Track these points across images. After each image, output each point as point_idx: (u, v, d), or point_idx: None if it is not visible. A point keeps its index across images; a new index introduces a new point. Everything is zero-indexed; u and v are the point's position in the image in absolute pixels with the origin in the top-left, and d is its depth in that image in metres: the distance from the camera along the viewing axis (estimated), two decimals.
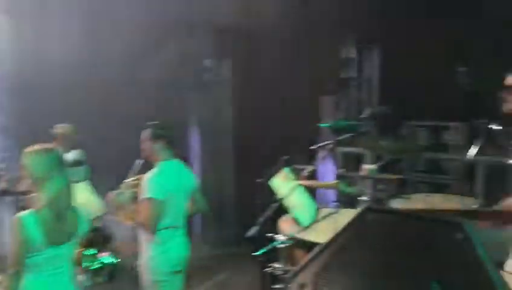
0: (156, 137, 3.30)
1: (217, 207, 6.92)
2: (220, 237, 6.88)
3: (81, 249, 2.48)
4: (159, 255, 3.25)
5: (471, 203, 2.97)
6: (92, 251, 2.42)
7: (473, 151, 3.42)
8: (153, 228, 3.17)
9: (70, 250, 2.62)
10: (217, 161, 6.89)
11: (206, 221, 6.74)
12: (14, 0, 8.94)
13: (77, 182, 4.20)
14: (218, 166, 6.91)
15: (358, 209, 2.29)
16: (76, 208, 2.68)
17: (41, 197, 2.49)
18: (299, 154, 4.63)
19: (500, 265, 2.49)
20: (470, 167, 4.59)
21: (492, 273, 1.20)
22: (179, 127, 6.54)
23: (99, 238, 2.54)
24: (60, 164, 2.59)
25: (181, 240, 3.40)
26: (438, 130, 5.21)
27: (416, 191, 4.92)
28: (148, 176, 3.21)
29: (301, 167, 4.46)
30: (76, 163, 4.75)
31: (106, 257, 2.61)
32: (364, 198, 2.75)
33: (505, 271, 2.43)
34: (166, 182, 3.21)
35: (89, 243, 2.43)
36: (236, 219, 6.90)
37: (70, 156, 5.01)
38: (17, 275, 2.45)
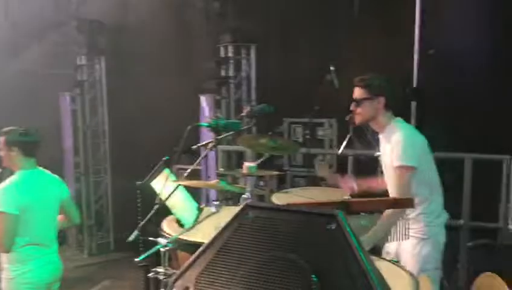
0: (11, 144, 3.00)
1: (95, 213, 6.61)
2: (99, 244, 6.60)
3: None
4: (19, 276, 2.96)
5: (343, 195, 3.17)
6: None
7: (343, 145, 3.68)
8: (4, 245, 2.88)
9: None
10: (93, 164, 6.55)
11: (83, 228, 6.40)
12: None
13: None
14: (95, 169, 6.59)
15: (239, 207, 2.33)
16: None
17: None
18: (183, 155, 4.58)
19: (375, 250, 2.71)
20: (342, 161, 4.90)
21: (364, 260, 1.28)
22: (51, 130, 6.09)
23: None
24: None
25: (47, 259, 3.09)
26: (313, 126, 5.48)
27: (295, 185, 5.16)
28: (0, 186, 2.92)
29: (184, 166, 4.42)
30: None
31: None
32: (245, 195, 2.79)
33: (382, 257, 2.65)
34: (23, 194, 2.93)
35: None
36: (115, 223, 6.65)
37: None
38: None
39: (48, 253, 3.09)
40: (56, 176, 3.25)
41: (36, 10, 6.55)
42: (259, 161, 3.56)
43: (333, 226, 1.39)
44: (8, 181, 2.94)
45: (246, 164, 2.92)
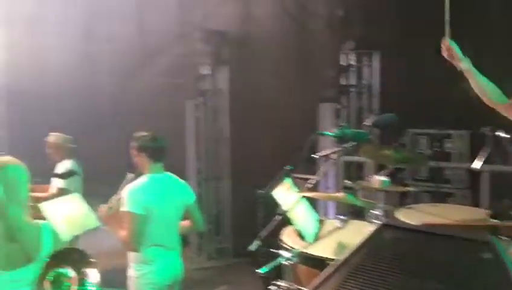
0: (140, 149, 3.15)
1: (215, 218, 6.80)
2: (218, 249, 6.76)
3: (47, 271, 2.21)
4: (143, 276, 3.07)
5: (480, 214, 2.85)
6: (64, 272, 2.14)
7: (479, 159, 3.32)
8: (132, 244, 3.00)
9: (30, 273, 2.30)
10: (215, 171, 6.76)
11: (204, 232, 6.61)
12: (11, 12, 8.92)
13: (69, 193, 4.06)
14: (217, 176, 6.79)
15: (371, 224, 2.16)
16: (40, 224, 2.44)
17: None
18: (300, 164, 4.52)
19: None
20: (474, 176, 4.48)
21: None
22: (176, 137, 6.42)
23: (74, 256, 2.26)
24: (9, 183, 2.29)
25: (170, 261, 3.17)
26: (440, 138, 5.11)
27: (419, 201, 4.81)
28: (128, 188, 3.06)
29: (303, 176, 4.33)
30: (69, 173, 4.59)
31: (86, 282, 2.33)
32: (375, 212, 2.60)
33: None
34: (148, 196, 3.04)
35: (58, 263, 2.16)
36: (235, 230, 6.77)
37: (63, 166, 4.86)
38: None
39: (170, 255, 3.17)
40: (183, 181, 3.35)
41: (164, 24, 7.00)
42: (383, 173, 3.35)
43: (488, 255, 1.20)
44: (134, 183, 3.09)
45: (377, 178, 2.72)
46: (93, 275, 2.20)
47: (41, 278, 2.18)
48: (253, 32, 6.29)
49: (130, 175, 3.21)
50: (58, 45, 8.09)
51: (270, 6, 6.05)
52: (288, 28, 5.86)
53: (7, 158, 2.38)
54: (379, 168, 4.36)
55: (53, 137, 5.10)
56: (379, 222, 1.36)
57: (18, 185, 2.32)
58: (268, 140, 5.69)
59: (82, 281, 2.23)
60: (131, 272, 3.12)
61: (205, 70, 6.66)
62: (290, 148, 5.27)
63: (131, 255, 3.10)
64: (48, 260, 2.21)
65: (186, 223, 3.32)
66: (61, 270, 2.19)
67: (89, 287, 2.25)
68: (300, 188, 2.84)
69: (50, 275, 2.19)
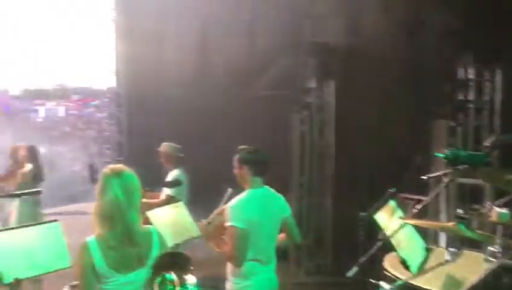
0: (243, 162, 3.13)
1: (316, 234, 6.66)
2: (317, 265, 6.62)
3: (156, 275, 2.33)
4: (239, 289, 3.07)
5: None
6: (169, 277, 2.25)
7: None
8: (236, 259, 2.99)
9: (142, 276, 2.45)
10: (318, 186, 6.64)
11: (304, 247, 6.51)
12: (133, 26, 9.67)
13: (176, 201, 4.19)
14: (319, 192, 6.66)
15: (487, 262, 1.91)
16: (151, 230, 2.57)
17: (97, 220, 2.39)
18: (409, 184, 4.24)
19: None
20: None
21: None
22: (280, 150, 6.42)
23: (178, 262, 2.37)
24: (122, 188, 2.40)
25: (266, 277, 3.14)
26: None
27: None
28: (231, 203, 3.06)
29: (412, 196, 4.05)
30: (175, 183, 4.78)
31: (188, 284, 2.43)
32: (492, 248, 2.27)
33: None
34: (250, 210, 3.02)
35: (165, 268, 2.27)
36: (335, 247, 6.57)
37: (171, 175, 5.08)
38: None
39: (266, 270, 3.14)
40: (280, 195, 3.31)
41: (273, 35, 7.07)
42: (503, 202, 2.99)
43: None
44: (237, 198, 3.09)
45: (496, 209, 2.41)
46: (191, 279, 2.27)
47: (151, 281, 2.30)
48: (361, 44, 6.10)
49: (229, 190, 3.23)
50: (176, 57, 8.57)
51: (380, 17, 5.82)
52: (399, 39, 5.58)
53: (121, 166, 2.53)
54: (498, 194, 3.93)
55: (164, 146, 5.37)
56: (496, 262, 1.17)
57: (134, 191, 2.45)
58: (375, 158, 5.44)
59: (183, 284, 2.31)
60: (229, 286, 3.14)
61: (311, 83, 6.60)
62: (398, 168, 5.01)
63: (230, 269, 3.12)
64: (157, 264, 2.33)
65: (282, 236, 3.29)
66: (166, 274, 2.30)
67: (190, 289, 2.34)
68: (408, 210, 2.63)
69: (158, 279, 2.30)
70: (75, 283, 3.32)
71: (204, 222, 3.19)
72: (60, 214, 8.93)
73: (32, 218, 5.31)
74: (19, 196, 4.04)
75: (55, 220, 3.00)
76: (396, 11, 5.87)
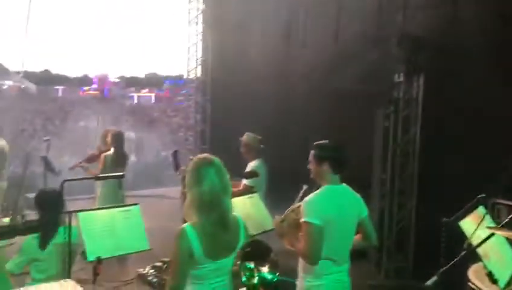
0: (320, 159, 3.04)
1: (397, 235, 6.41)
2: (397, 267, 6.37)
3: (240, 263, 2.39)
4: (311, 288, 2.99)
5: None
6: (249, 265, 2.31)
7: None
8: (311, 256, 2.91)
9: (230, 263, 2.55)
10: (400, 185, 6.36)
11: (382, 248, 6.29)
12: (220, 16, 9.85)
13: (254, 192, 4.21)
14: (400, 190, 6.38)
15: None
16: (238, 219, 2.62)
17: (192, 207, 2.45)
18: (501, 188, 3.89)
19: None
20: None
21: None
22: (362, 146, 6.22)
23: (257, 251, 2.43)
24: (218, 176, 2.48)
25: (338, 277, 3.04)
26: None
27: None
28: (307, 198, 2.99)
29: (504, 201, 3.72)
30: (252, 174, 4.80)
31: (266, 273, 2.49)
32: None
33: None
34: (327, 208, 2.94)
35: (247, 257, 2.33)
36: (416, 249, 6.28)
37: (250, 165, 5.12)
38: (177, 288, 2.41)
39: (339, 271, 3.06)
40: (357, 194, 3.19)
41: (361, 27, 6.83)
42: None
43: None
44: (313, 194, 3.02)
45: None
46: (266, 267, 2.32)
47: (237, 267, 2.38)
48: (455, 36, 5.69)
49: (305, 186, 3.17)
50: (261, 48, 8.59)
51: (479, 7, 5.38)
52: (497, 31, 5.13)
53: (208, 155, 2.61)
54: None
55: (246, 136, 5.42)
56: None
57: (227, 179, 2.54)
58: (463, 159, 5.08)
59: (262, 273, 2.38)
60: (301, 283, 3.09)
61: (399, 77, 6.31)
62: (490, 169, 4.63)
63: (302, 267, 3.07)
64: (242, 252, 2.38)
65: (358, 237, 3.18)
66: (246, 262, 2.39)
67: (268, 276, 2.41)
68: (500, 218, 2.41)
69: (241, 266, 2.38)
70: (158, 263, 3.47)
71: (278, 218, 3.15)
72: (145, 196, 9.38)
73: (114, 199, 5.63)
74: (102, 178, 4.28)
75: (136, 204, 3.13)
76: (494, 2, 5.41)
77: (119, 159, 5.90)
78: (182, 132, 19.15)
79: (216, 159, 2.55)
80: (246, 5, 9.02)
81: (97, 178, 4.19)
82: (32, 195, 7.98)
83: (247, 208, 3.64)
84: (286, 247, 3.09)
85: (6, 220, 6.84)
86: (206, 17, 10.24)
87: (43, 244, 3.15)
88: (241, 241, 2.55)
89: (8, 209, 6.83)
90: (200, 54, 10.46)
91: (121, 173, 3.71)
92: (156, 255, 3.47)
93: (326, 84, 7.15)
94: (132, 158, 13.00)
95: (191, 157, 10.33)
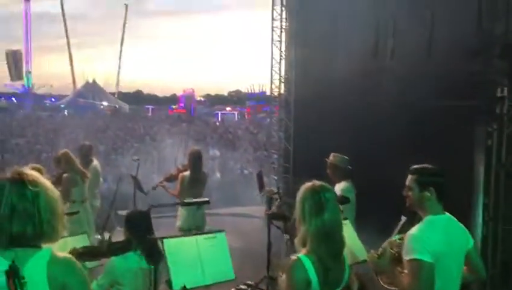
0: (423, 185, 2.72)
1: (502, 265, 5.79)
2: None
3: None
4: None
5: None
6: None
7: None
8: None
9: None
10: (504, 210, 5.75)
11: (489, 280, 5.69)
12: (302, 28, 9.73)
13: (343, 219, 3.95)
14: (505, 215, 5.77)
15: None
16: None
17: (309, 237, 2.36)
18: None
19: None
20: None
21: None
22: (460, 168, 5.70)
23: (355, 285, 2.33)
24: (331, 202, 2.41)
25: None
26: None
27: None
28: (411, 232, 2.67)
29: None
30: (344, 199, 4.50)
31: None
32: None
33: None
34: (435, 242, 2.61)
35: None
36: None
37: (339, 188, 4.85)
38: None
39: None
40: (461, 224, 2.85)
41: (457, 39, 6.34)
42: None
43: None
44: (418, 227, 2.71)
45: None
46: None
47: None
48: None
49: (403, 218, 2.86)
50: (346, 63, 8.30)
51: None
52: None
53: (318, 182, 2.51)
54: None
55: (332, 157, 5.17)
56: None
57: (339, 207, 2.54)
58: None
59: None
60: None
61: (502, 92, 5.74)
62: None
63: None
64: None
65: (464, 270, 2.84)
66: None
67: None
68: None
69: None
70: (242, 286, 3.34)
71: (374, 252, 2.86)
72: (226, 215, 9.39)
73: (194, 218, 5.60)
74: (187, 204, 4.23)
75: (222, 231, 3.02)
76: None
77: (197, 179, 5.86)
78: (264, 149, 19.32)
79: (327, 186, 2.48)
80: (330, 21, 8.81)
81: (182, 204, 4.15)
82: (123, 212, 8.38)
83: None
84: (383, 285, 2.79)
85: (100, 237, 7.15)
86: (290, 35, 10.17)
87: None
88: (347, 274, 2.48)
89: (100, 227, 7.12)
90: (283, 71, 10.40)
91: (206, 199, 3.63)
92: (239, 276, 3.33)
93: (419, 100, 6.68)
94: (217, 175, 13.24)
95: (274, 177, 10.28)
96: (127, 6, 64.27)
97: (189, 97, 60.18)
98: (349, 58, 8.21)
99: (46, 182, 1.89)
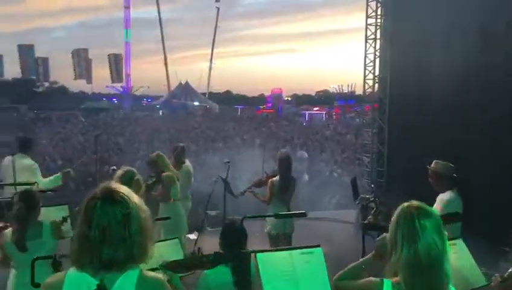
0: None
1: None
2: None
3: None
4: None
5: None
6: None
7: None
8: None
9: None
10: None
11: None
12: (399, 26, 9.20)
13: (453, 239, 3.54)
14: None
15: None
16: None
17: (400, 267, 2.03)
18: None
19: None
20: None
21: None
22: None
23: None
24: (429, 230, 2.03)
25: None
26: None
27: None
28: None
29: None
30: (454, 217, 4.03)
31: None
32: None
33: None
34: None
35: None
36: None
37: (443, 199, 4.41)
38: None
39: None
40: None
41: None
42: None
43: None
44: None
45: None
46: None
47: None
48: None
49: None
50: (446, 60, 7.69)
51: None
52: None
53: (417, 203, 2.16)
54: None
55: (434, 164, 4.72)
56: None
57: (446, 235, 2.14)
58: None
59: None
60: None
61: None
62: None
63: None
64: None
65: None
66: None
67: None
68: None
69: None
70: None
71: (498, 276, 2.48)
72: (316, 219, 9.11)
73: (283, 224, 5.43)
74: (281, 217, 4.06)
75: (318, 246, 2.81)
76: None
77: (287, 185, 5.70)
78: (353, 150, 18.74)
79: (429, 208, 2.10)
80: (428, 17, 8.21)
81: (277, 216, 3.98)
82: (213, 212, 8.47)
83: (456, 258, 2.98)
84: None
85: (192, 236, 7.27)
86: (385, 32, 9.67)
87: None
88: None
89: (192, 227, 7.22)
90: (377, 70, 9.92)
91: (302, 212, 3.43)
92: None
93: None
94: (305, 178, 13.00)
95: (367, 180, 9.84)
96: (218, 9, 65.98)
97: (277, 97, 60.49)
98: (450, 57, 7.59)
99: (136, 199, 1.82)
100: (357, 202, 5.04)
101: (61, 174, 5.82)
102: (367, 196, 5.33)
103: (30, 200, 3.59)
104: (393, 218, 2.15)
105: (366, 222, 4.80)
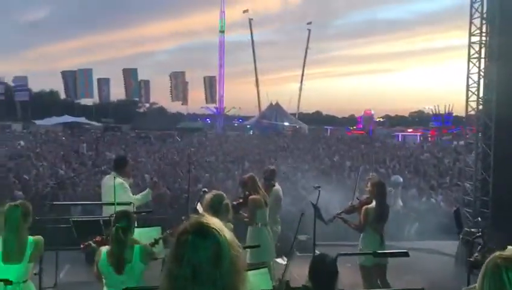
0: None
1: None
2: None
3: None
4: None
5: None
6: None
7: None
8: None
9: None
10: None
11: None
12: (504, 45, 8.50)
13: None
14: None
15: None
16: None
17: None
18: None
19: None
20: None
21: None
22: None
23: None
24: None
25: None
26: None
27: None
28: None
29: None
30: None
31: None
32: None
33: None
34: None
35: None
36: None
37: None
38: None
39: None
40: None
41: None
42: None
43: None
44: None
45: None
46: None
47: None
48: None
49: None
50: None
51: None
52: None
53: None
54: None
55: None
56: None
57: None
58: None
59: None
60: None
61: None
62: None
63: None
64: None
65: None
66: None
67: None
68: None
69: None
70: None
71: None
72: (413, 249, 8.53)
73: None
74: (380, 255, 3.79)
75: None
76: None
77: (383, 214, 5.38)
78: (451, 175, 17.52)
79: None
80: None
81: (374, 254, 3.74)
82: (303, 237, 8.26)
83: None
84: None
85: (280, 261, 7.14)
86: (491, 52, 8.98)
87: None
88: None
89: (281, 250, 7.09)
90: (481, 91, 9.20)
91: (404, 251, 3.17)
92: None
93: None
94: (399, 204, 12.32)
95: (468, 210, 9.09)
96: (309, 31, 66.25)
97: (368, 118, 59.08)
98: None
99: (228, 234, 1.66)
100: (461, 236, 4.59)
101: (149, 188, 6.23)
102: (472, 230, 4.86)
103: (128, 223, 3.69)
104: (482, 268, 2.04)
105: (472, 259, 4.36)
